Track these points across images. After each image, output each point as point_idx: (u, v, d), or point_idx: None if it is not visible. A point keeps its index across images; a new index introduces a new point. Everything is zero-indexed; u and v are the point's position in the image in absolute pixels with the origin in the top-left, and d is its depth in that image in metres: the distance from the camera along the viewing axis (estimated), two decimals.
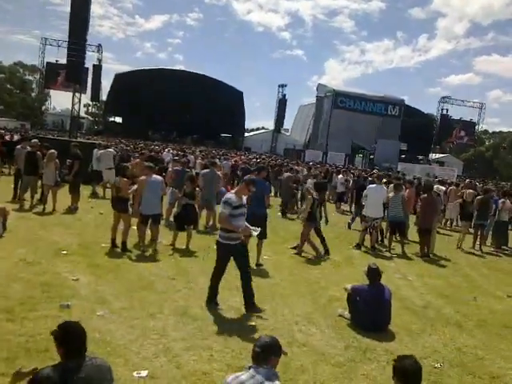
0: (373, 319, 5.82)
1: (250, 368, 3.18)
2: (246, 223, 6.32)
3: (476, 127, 66.02)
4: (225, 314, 6.00)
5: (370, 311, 5.81)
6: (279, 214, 15.23)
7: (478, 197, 13.57)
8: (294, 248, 10.08)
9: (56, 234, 9.26)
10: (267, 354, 3.19)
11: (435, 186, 13.32)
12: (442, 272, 9.92)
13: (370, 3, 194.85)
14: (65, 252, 7.96)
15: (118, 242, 8.69)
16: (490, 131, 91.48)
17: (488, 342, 6.10)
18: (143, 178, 8.79)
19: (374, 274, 6.07)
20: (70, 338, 2.86)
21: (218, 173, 12.18)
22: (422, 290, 8.26)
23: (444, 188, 16.36)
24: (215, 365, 4.60)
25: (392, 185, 12.77)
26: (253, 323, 5.74)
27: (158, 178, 9.08)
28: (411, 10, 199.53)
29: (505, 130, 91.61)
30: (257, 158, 28.99)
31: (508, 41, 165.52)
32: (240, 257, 6.28)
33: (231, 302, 6.44)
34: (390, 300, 6.06)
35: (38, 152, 12.08)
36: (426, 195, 11.39)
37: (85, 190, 13.76)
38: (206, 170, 12.03)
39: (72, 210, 11.90)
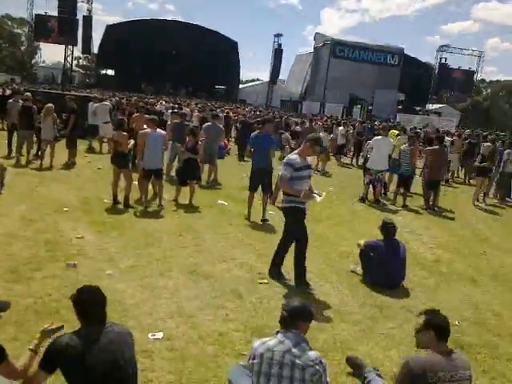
0: (388, 275, 5.68)
1: (277, 333, 3.02)
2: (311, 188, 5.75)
3: (474, 76, 65.05)
4: (236, 271, 5.83)
5: (385, 267, 5.66)
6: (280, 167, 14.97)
7: (486, 144, 13.30)
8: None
9: (55, 191, 9.03)
10: (295, 319, 3.02)
11: None
12: (449, 225, 9.81)
13: None
14: (66, 209, 7.74)
15: (120, 197, 8.47)
16: (488, 80, 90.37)
17: (503, 297, 6.01)
18: (146, 131, 8.46)
19: (389, 229, 5.89)
20: (91, 303, 2.72)
21: (220, 125, 11.85)
22: (431, 243, 8.15)
23: (450, 139, 16.10)
24: (231, 325, 4.46)
25: (399, 137, 12.51)
26: (265, 280, 5.58)
27: (161, 132, 8.75)
28: None
29: (502, 79, 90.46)
30: (254, 111, 28.38)
31: None
32: (302, 221, 5.66)
33: (241, 258, 6.28)
34: (404, 256, 5.91)
35: (34, 106, 11.69)
36: (436, 147, 11.11)
37: (81, 145, 13.41)
38: (208, 124, 11.66)
39: (69, 165, 11.61)
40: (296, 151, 5.75)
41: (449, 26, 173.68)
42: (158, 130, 8.66)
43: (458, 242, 8.43)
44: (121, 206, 8.32)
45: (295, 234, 5.66)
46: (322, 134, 15.62)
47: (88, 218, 7.45)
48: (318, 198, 5.51)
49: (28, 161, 11.51)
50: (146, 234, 6.90)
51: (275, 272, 5.73)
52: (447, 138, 15.56)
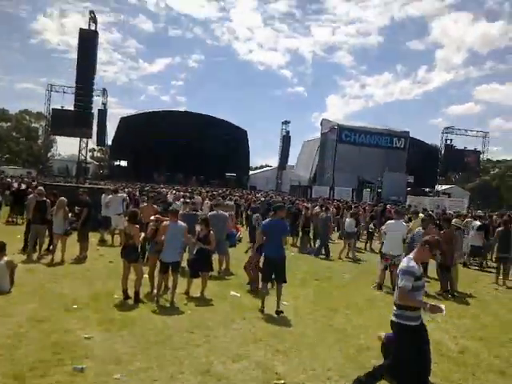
0: None
1: None
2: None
3: (480, 156, 65.90)
4: (250, 371, 5.52)
5: None
6: (292, 254, 14.80)
7: (499, 228, 13.13)
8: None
9: (66, 287, 8.87)
10: None
11: (453, 220, 12.79)
12: (470, 311, 9.42)
13: (369, 38, 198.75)
14: (75, 306, 7.56)
15: (130, 292, 8.30)
16: (494, 160, 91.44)
17: None
18: (166, 223, 8.45)
19: None
20: None
21: (225, 213, 11.78)
22: (453, 332, 7.78)
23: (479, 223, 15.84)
24: None
25: (414, 220, 12.41)
26: (282, 381, 5.27)
27: (182, 224, 8.71)
28: (409, 42, 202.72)
29: (508, 158, 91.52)
30: (265, 196, 28.64)
31: (506, 69, 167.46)
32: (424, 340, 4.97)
33: (256, 356, 5.97)
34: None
35: (48, 200, 11.86)
36: (445, 230, 10.98)
37: (93, 238, 13.41)
38: (212, 212, 11.67)
39: (81, 259, 11.54)
40: (411, 256, 5.14)
41: (451, 109, 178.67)
42: (179, 222, 8.65)
43: (482, 330, 8.04)
44: (131, 302, 8.13)
45: (418, 365, 4.86)
46: (348, 220, 15.62)
47: (97, 315, 7.24)
48: (444, 311, 4.87)
49: (40, 256, 11.48)
50: (157, 332, 6.66)
51: None
52: (476, 223, 15.45)
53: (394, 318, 4.95)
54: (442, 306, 4.84)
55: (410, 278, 4.81)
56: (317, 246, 15.90)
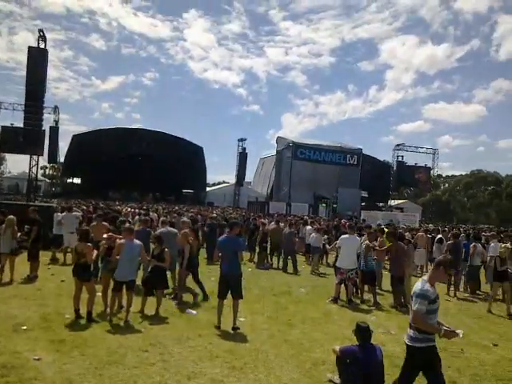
0: (367, 383, 5.41)
1: None
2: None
3: (431, 172, 68.02)
4: None
5: (362, 375, 5.40)
6: (249, 269, 14.79)
7: (449, 242, 13.55)
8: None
9: (14, 307, 8.53)
10: None
11: (406, 234, 13.14)
12: None
13: (320, 58, 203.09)
14: (24, 327, 7.29)
15: (83, 312, 8.07)
16: (444, 175, 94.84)
17: None
18: (122, 241, 8.30)
19: (364, 333, 5.69)
20: None
21: (175, 230, 11.58)
22: None
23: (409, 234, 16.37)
24: None
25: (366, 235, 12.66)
26: None
27: (138, 242, 8.54)
28: (360, 63, 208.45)
29: (456, 173, 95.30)
30: (222, 212, 28.57)
31: (452, 88, 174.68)
32: (436, 365, 4.95)
33: (211, 374, 5.90)
34: (382, 361, 5.68)
35: None
36: (395, 243, 11.24)
37: (44, 256, 12.98)
38: (161, 229, 11.45)
39: (31, 278, 11.13)
40: (426, 279, 5.07)
41: (402, 126, 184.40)
42: (135, 240, 8.50)
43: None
44: (83, 321, 7.90)
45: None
46: (314, 235, 15.76)
47: (47, 336, 7.00)
48: (461, 334, 4.91)
49: None
50: (110, 352, 6.48)
51: None
52: (407, 234, 15.85)
53: (409, 342, 4.94)
54: (458, 331, 4.88)
55: (424, 301, 4.82)
56: (282, 261, 16.09)
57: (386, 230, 13.29)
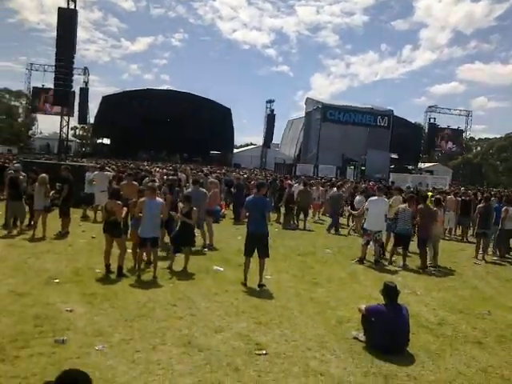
0: (391, 342, 5.45)
1: None
2: None
3: (463, 134, 66.47)
4: (232, 342, 5.56)
5: (388, 333, 5.43)
6: (276, 229, 14.86)
7: (480, 205, 13.31)
8: None
9: (47, 262, 8.81)
10: None
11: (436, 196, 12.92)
12: (449, 284, 9.57)
13: (353, 17, 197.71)
14: (57, 280, 7.53)
15: (113, 267, 8.28)
16: (477, 138, 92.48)
17: None
18: (143, 199, 8.41)
19: (391, 293, 5.69)
20: None
21: (203, 190, 11.72)
22: (433, 304, 7.90)
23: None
24: None
25: (395, 197, 12.53)
26: (263, 351, 5.31)
27: (159, 200, 8.66)
28: (394, 22, 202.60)
29: (490, 136, 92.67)
30: (251, 173, 28.56)
31: (490, 48, 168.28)
32: None
33: (238, 328, 6.02)
34: (408, 320, 5.69)
35: (21, 176, 11.72)
36: (422, 206, 11.09)
37: (75, 214, 13.29)
38: (189, 190, 11.60)
39: (63, 234, 11.45)
40: None
41: (435, 88, 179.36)
42: (157, 198, 8.61)
43: (461, 303, 8.18)
44: (114, 276, 8.11)
45: None
46: (358, 197, 15.63)
47: (79, 289, 7.22)
48: None
49: (20, 231, 11.39)
50: (140, 305, 6.66)
51: None
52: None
53: None
54: None
55: None
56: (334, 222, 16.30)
57: (430, 194, 13.06)
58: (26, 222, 11.88)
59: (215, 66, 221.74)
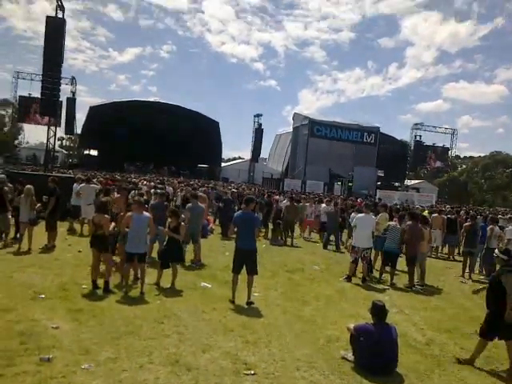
0: (380, 362, 5.44)
1: None
2: None
3: (449, 152, 67.25)
4: (220, 361, 5.51)
5: (376, 353, 5.42)
6: (263, 245, 14.82)
7: (466, 223, 13.43)
8: None
9: (32, 276, 8.67)
10: None
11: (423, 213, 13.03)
12: (437, 304, 9.61)
13: (340, 34, 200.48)
14: (43, 296, 7.42)
15: (100, 282, 8.18)
16: (462, 156, 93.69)
17: (500, 382, 5.76)
18: (130, 213, 8.35)
19: (379, 312, 5.71)
20: None
21: (202, 205, 11.82)
22: (421, 324, 7.92)
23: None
24: None
25: (381, 214, 12.58)
26: (251, 371, 5.27)
27: (147, 214, 8.60)
28: (380, 39, 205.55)
29: (475, 154, 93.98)
30: (237, 188, 28.56)
31: (474, 67, 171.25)
32: None
33: (226, 347, 5.96)
34: (396, 340, 5.69)
35: (5, 187, 11.58)
36: (410, 223, 11.14)
37: (61, 227, 13.14)
38: (191, 204, 11.61)
39: (49, 248, 11.30)
40: None
41: (421, 105, 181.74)
42: (145, 212, 8.56)
43: (448, 322, 8.22)
44: (100, 292, 8.01)
45: None
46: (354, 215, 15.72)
47: (65, 305, 7.11)
48: None
49: (5, 244, 11.23)
50: (127, 322, 6.58)
51: None
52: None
53: None
54: None
55: None
56: (324, 238, 16.52)
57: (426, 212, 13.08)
58: (12, 234, 11.72)
59: (203, 79, 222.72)
